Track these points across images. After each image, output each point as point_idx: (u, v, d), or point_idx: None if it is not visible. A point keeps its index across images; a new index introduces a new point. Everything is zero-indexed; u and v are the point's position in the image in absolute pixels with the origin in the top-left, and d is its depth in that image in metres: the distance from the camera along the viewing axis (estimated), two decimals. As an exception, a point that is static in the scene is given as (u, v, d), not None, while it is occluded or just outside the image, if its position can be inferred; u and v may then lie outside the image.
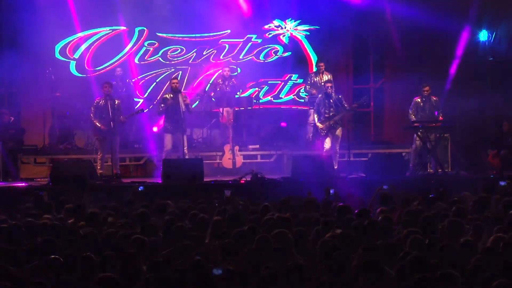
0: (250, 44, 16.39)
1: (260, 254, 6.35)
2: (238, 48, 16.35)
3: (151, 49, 16.12)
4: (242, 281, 5.64)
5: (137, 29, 16.02)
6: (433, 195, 10.19)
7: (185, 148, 13.53)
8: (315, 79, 15.08)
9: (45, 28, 14.92)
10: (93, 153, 14.04)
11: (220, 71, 15.52)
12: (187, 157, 13.56)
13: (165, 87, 15.05)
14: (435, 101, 14.40)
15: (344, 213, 8.41)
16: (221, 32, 16.26)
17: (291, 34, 16.55)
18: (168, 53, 16.18)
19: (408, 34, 15.93)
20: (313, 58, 16.51)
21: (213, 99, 15.24)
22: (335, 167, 13.49)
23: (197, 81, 16.17)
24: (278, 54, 16.55)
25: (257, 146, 15.28)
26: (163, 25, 15.91)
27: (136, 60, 16.07)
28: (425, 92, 14.36)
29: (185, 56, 16.22)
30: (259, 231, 7.30)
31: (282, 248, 6.51)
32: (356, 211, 8.42)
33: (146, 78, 16.11)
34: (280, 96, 16.50)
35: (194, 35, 16.24)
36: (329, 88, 14.00)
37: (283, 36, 16.54)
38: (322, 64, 15.20)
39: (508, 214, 8.16)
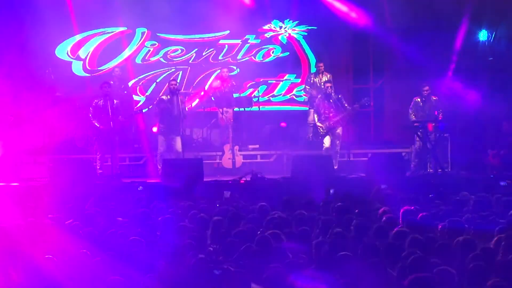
0: (248, 44, 16.44)
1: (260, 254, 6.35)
2: (236, 48, 16.39)
3: (152, 49, 16.18)
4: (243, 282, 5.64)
5: (138, 30, 16.06)
6: (433, 195, 10.19)
7: (179, 151, 13.51)
8: (315, 80, 15.07)
9: (45, 28, 14.93)
10: (93, 153, 14.03)
11: (219, 71, 15.56)
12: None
13: (165, 88, 15.06)
14: (435, 101, 14.40)
15: (344, 213, 8.42)
16: (220, 33, 16.31)
17: (289, 34, 16.58)
18: (169, 53, 16.23)
19: (408, 34, 15.92)
20: (311, 58, 16.55)
21: (212, 98, 15.23)
22: (335, 167, 13.48)
23: (196, 81, 16.20)
24: (276, 54, 16.59)
25: (257, 146, 15.27)
26: (164, 26, 15.95)
27: (137, 61, 16.12)
28: (425, 92, 14.37)
29: (185, 56, 16.27)
30: (260, 231, 7.30)
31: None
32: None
33: (146, 78, 16.14)
34: (275, 94, 16.53)
35: (194, 36, 16.30)
36: (329, 88, 14.01)
37: (281, 36, 16.57)
38: (321, 64, 15.20)
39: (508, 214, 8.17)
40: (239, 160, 14.49)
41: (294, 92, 16.57)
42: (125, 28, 16.00)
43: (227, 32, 16.29)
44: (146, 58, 16.22)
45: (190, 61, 16.27)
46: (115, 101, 13.45)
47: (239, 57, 16.43)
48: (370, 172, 13.10)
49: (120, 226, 8.01)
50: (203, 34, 16.32)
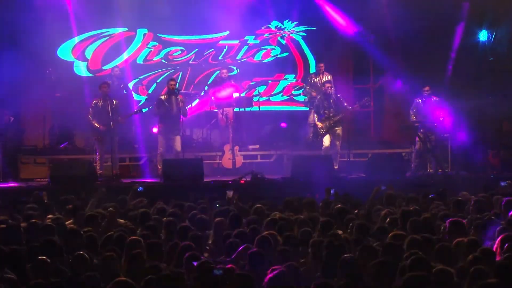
0: (247, 45, 16.48)
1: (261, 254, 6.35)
2: (236, 48, 16.42)
3: (153, 50, 16.22)
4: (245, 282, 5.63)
5: (140, 31, 16.09)
6: (433, 195, 10.19)
7: (179, 150, 13.51)
8: (315, 80, 15.08)
9: (45, 28, 14.93)
10: (93, 153, 14.03)
11: (218, 72, 15.57)
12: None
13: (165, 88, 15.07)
14: (435, 101, 14.40)
15: (344, 214, 8.42)
16: (220, 34, 16.33)
17: (288, 35, 16.59)
18: (170, 54, 16.28)
19: (407, 34, 15.92)
20: (310, 59, 16.57)
21: (212, 97, 15.24)
22: (336, 167, 13.49)
23: (196, 81, 16.22)
24: (275, 54, 16.60)
25: (257, 146, 15.28)
26: (165, 27, 16.01)
27: (139, 61, 16.18)
28: (426, 93, 14.37)
29: (186, 57, 16.30)
30: (260, 231, 7.31)
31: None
32: None
33: (147, 79, 16.17)
34: (274, 93, 16.54)
35: (194, 36, 16.33)
36: (329, 88, 14.01)
37: (280, 37, 16.58)
38: (322, 64, 15.21)
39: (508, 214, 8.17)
40: (239, 160, 14.49)
41: (292, 92, 16.59)
42: (127, 29, 16.04)
43: (227, 33, 16.32)
44: (147, 58, 16.27)
45: (190, 62, 16.30)
46: (114, 102, 13.45)
47: (238, 57, 16.47)
48: (370, 172, 13.12)
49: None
50: (203, 35, 16.36)
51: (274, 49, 16.60)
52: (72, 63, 15.90)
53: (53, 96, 15.17)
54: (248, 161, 14.82)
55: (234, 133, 14.56)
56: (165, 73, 16.18)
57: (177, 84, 14.36)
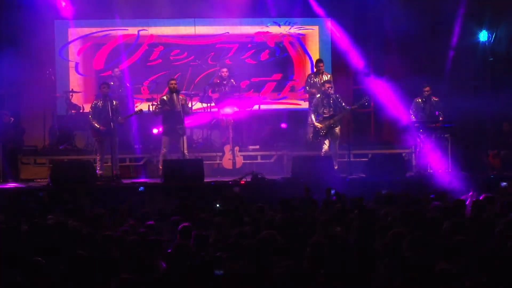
0: (247, 45, 16.49)
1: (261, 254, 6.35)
2: (235, 49, 16.44)
3: (154, 51, 16.24)
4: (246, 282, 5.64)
5: (141, 32, 16.10)
6: (433, 195, 10.19)
7: (185, 150, 13.51)
8: (315, 80, 15.06)
9: (45, 28, 14.94)
10: (93, 154, 14.04)
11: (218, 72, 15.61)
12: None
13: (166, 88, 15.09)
14: (435, 102, 14.40)
15: (344, 214, 8.42)
16: (219, 34, 16.34)
17: (288, 35, 16.61)
18: (170, 54, 16.29)
19: (408, 34, 15.93)
20: (309, 59, 16.57)
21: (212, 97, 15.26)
22: (335, 168, 13.49)
23: (196, 81, 16.24)
24: (274, 55, 16.61)
25: (257, 146, 15.28)
26: (165, 28, 16.04)
27: (139, 62, 16.17)
28: (426, 93, 14.36)
29: (186, 57, 16.32)
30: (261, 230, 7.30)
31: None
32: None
33: (148, 79, 16.19)
34: (273, 93, 16.55)
35: (194, 37, 16.34)
36: (329, 88, 14.00)
37: (280, 37, 16.59)
38: (321, 64, 15.19)
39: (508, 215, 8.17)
40: (240, 160, 14.49)
41: (292, 92, 16.59)
42: (128, 30, 16.05)
43: (227, 33, 16.32)
44: (148, 59, 16.28)
45: (190, 62, 16.31)
46: (114, 102, 13.45)
47: (238, 57, 16.44)
48: (370, 172, 13.12)
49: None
50: (203, 36, 16.34)
51: (274, 49, 16.61)
52: (72, 64, 15.90)
53: (53, 96, 15.18)
54: (248, 161, 14.82)
55: (234, 133, 14.56)
56: (166, 73, 16.17)
57: (177, 83, 14.35)
